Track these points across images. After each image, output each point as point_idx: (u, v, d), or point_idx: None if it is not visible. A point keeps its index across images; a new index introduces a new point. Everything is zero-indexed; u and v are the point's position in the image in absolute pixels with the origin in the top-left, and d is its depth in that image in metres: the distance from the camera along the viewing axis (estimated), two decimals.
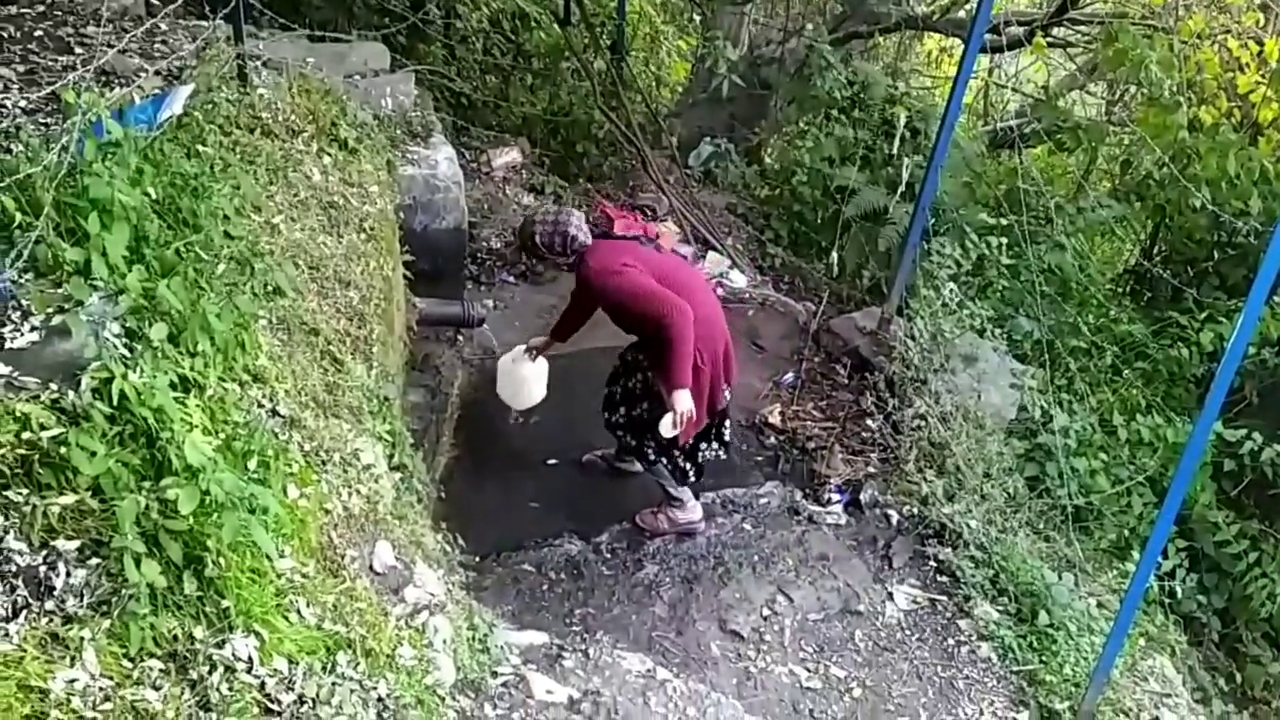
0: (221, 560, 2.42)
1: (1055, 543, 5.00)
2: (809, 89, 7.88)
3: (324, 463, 3.13)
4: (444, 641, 3.02)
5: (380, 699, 2.63)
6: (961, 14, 9.57)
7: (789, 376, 6.16)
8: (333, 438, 3.27)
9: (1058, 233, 6.39)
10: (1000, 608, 4.61)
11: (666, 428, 4.17)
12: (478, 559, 4.45)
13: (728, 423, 4.73)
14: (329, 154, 4.50)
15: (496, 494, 4.99)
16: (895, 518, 5.06)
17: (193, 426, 2.50)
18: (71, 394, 2.33)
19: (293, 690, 2.42)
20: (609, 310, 4.34)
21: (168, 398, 2.40)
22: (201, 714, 2.21)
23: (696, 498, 4.81)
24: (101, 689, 2.09)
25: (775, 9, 9.94)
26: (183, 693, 2.21)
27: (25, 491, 2.21)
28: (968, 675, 4.33)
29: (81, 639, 2.12)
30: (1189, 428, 5.24)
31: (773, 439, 5.66)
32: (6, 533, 2.17)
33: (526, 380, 5.07)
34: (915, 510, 5.04)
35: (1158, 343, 6.07)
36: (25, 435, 2.23)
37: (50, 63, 4.10)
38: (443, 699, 2.87)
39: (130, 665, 2.17)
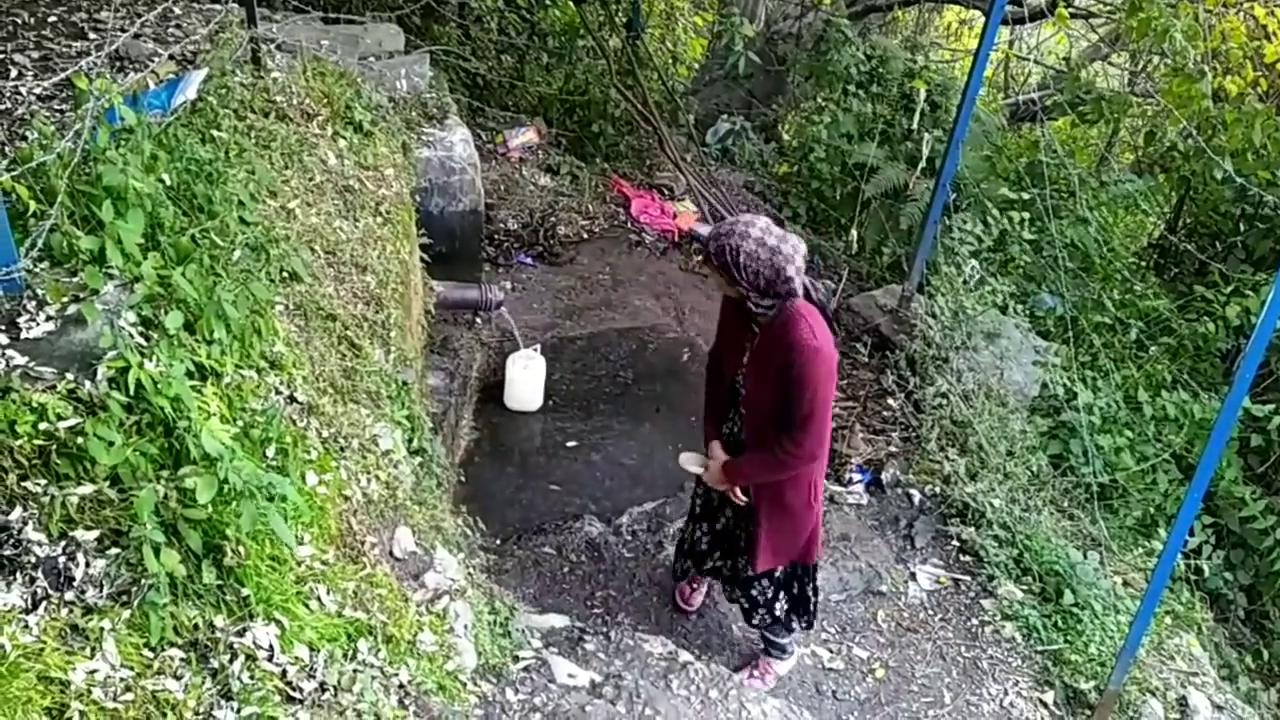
0: (241, 548, 2.41)
1: (1080, 521, 4.96)
2: (827, 64, 7.83)
3: (342, 449, 3.12)
4: (465, 627, 3.01)
5: (401, 685, 2.63)
6: None
7: None
8: (351, 423, 3.26)
9: (1081, 207, 6.31)
10: (1024, 587, 4.58)
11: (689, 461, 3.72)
12: (498, 542, 4.46)
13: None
14: (344, 137, 4.47)
15: (516, 477, 4.99)
16: (917, 497, 5.03)
17: (210, 415, 2.49)
18: (88, 384, 2.32)
19: (314, 678, 2.42)
20: (776, 385, 3.27)
21: (184, 386, 2.39)
22: (223, 703, 2.20)
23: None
24: (122, 679, 2.08)
25: None
26: (204, 682, 2.21)
27: (43, 482, 2.21)
28: (992, 655, 4.30)
29: (101, 629, 2.11)
30: (1215, 403, 5.18)
31: None
32: (25, 524, 2.16)
33: (534, 384, 5.46)
34: (937, 489, 5.01)
35: (1183, 317, 6.00)
36: (42, 425, 2.22)
37: (64, 49, 4.09)
38: (464, 685, 2.86)
39: (151, 655, 2.17)
